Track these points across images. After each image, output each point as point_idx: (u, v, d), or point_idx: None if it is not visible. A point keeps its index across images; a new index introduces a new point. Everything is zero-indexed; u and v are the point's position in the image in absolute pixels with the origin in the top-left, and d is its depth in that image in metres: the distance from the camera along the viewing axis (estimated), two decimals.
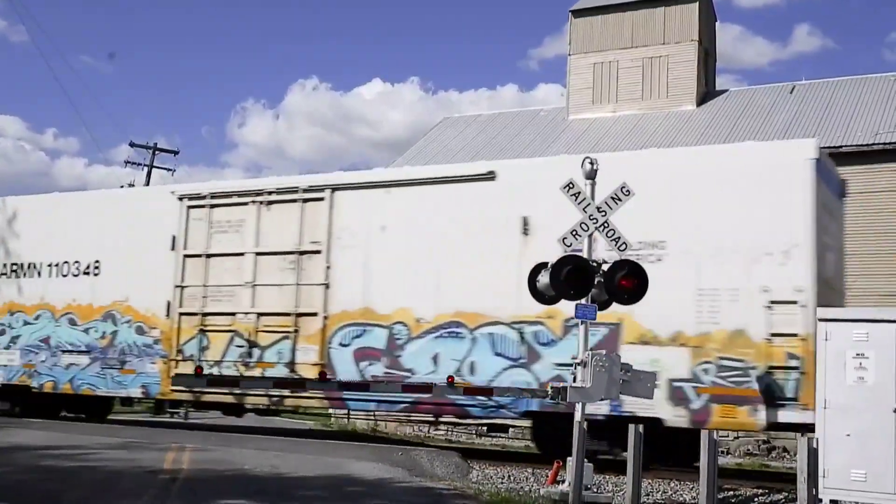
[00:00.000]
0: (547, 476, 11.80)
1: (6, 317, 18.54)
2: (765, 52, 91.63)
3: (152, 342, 16.54)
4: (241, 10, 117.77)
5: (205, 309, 16.09)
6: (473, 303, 13.84)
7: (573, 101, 33.09)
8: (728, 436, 21.13)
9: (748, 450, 21.86)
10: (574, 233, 10.36)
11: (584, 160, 10.67)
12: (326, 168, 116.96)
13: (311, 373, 14.99)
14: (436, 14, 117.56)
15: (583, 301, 10.22)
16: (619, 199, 10.45)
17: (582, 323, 10.25)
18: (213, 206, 16.41)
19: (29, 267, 18.46)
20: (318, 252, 15.20)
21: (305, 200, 15.50)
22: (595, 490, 10.59)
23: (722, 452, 18.55)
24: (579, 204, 10.42)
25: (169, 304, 16.44)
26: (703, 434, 9.84)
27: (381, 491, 10.30)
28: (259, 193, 16.00)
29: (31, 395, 18.12)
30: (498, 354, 13.65)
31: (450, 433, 24.53)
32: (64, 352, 17.59)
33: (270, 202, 15.86)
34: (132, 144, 43.22)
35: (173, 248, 16.58)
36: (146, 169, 42.84)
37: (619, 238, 10.41)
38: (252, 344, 15.54)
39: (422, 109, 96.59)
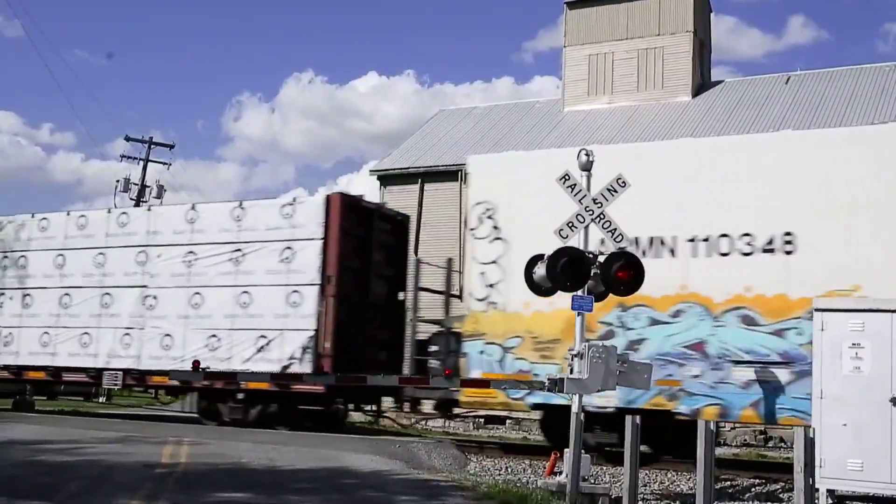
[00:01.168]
0: (544, 467, 11.82)
1: (614, 313, 13.46)
2: (759, 43, 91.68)
3: None
4: (236, 4, 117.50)
5: None
6: None
7: (568, 93, 33.03)
8: (725, 426, 21.16)
9: (745, 440, 21.89)
10: (570, 224, 10.37)
11: (579, 152, 10.66)
12: (321, 164, 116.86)
13: None
14: (431, 7, 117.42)
15: (579, 293, 10.23)
16: (615, 191, 10.46)
17: (578, 314, 10.26)
18: None
19: (651, 243, 13.45)
20: None
21: None
22: (592, 481, 10.61)
23: (719, 443, 18.58)
24: (575, 195, 10.42)
25: None
26: (700, 424, 9.82)
27: (378, 483, 10.29)
28: None
29: (669, 425, 13.23)
30: None
31: (447, 425, 24.50)
32: (736, 363, 12.75)
33: None
34: (128, 139, 43.22)
35: None
36: (142, 163, 42.87)
37: (615, 230, 10.41)
38: None
39: (417, 102, 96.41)
